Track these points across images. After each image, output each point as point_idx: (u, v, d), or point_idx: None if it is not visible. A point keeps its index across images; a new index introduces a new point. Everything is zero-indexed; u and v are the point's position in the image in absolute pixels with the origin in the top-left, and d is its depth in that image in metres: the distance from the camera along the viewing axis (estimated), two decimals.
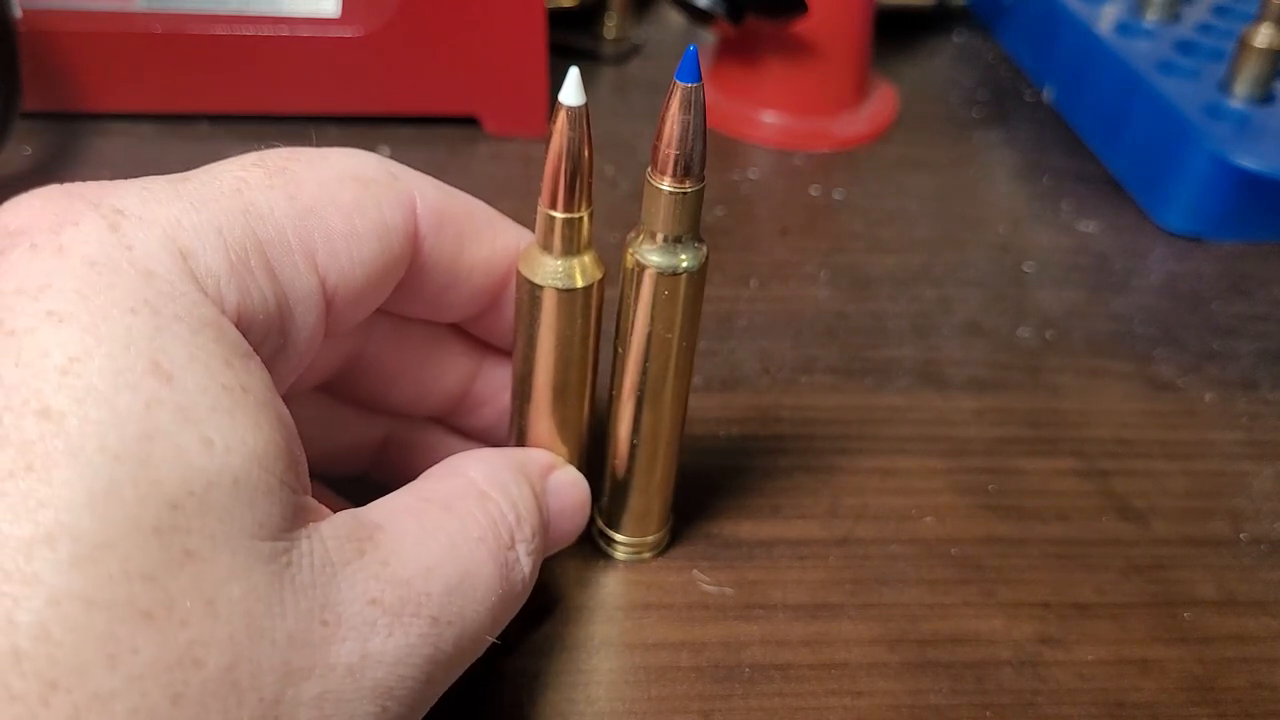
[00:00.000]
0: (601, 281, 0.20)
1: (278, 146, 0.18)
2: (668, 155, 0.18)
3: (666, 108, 0.18)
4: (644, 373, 0.21)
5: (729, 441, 0.27)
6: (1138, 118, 0.38)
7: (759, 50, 0.39)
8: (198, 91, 0.36)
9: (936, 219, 0.36)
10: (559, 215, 0.19)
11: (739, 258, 0.33)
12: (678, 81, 0.18)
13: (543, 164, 0.19)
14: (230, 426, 0.14)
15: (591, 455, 0.23)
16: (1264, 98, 0.37)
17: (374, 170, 0.19)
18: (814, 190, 0.37)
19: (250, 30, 0.35)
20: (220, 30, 0.35)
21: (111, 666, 0.13)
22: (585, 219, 0.19)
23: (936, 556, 0.24)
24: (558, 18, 0.44)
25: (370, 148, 0.38)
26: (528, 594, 0.19)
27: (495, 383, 0.23)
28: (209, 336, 0.15)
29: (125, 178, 0.16)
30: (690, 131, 0.18)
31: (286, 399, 0.16)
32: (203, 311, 0.15)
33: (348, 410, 0.22)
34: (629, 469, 0.22)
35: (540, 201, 0.19)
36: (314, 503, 0.16)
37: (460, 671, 0.18)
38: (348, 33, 0.35)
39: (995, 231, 0.36)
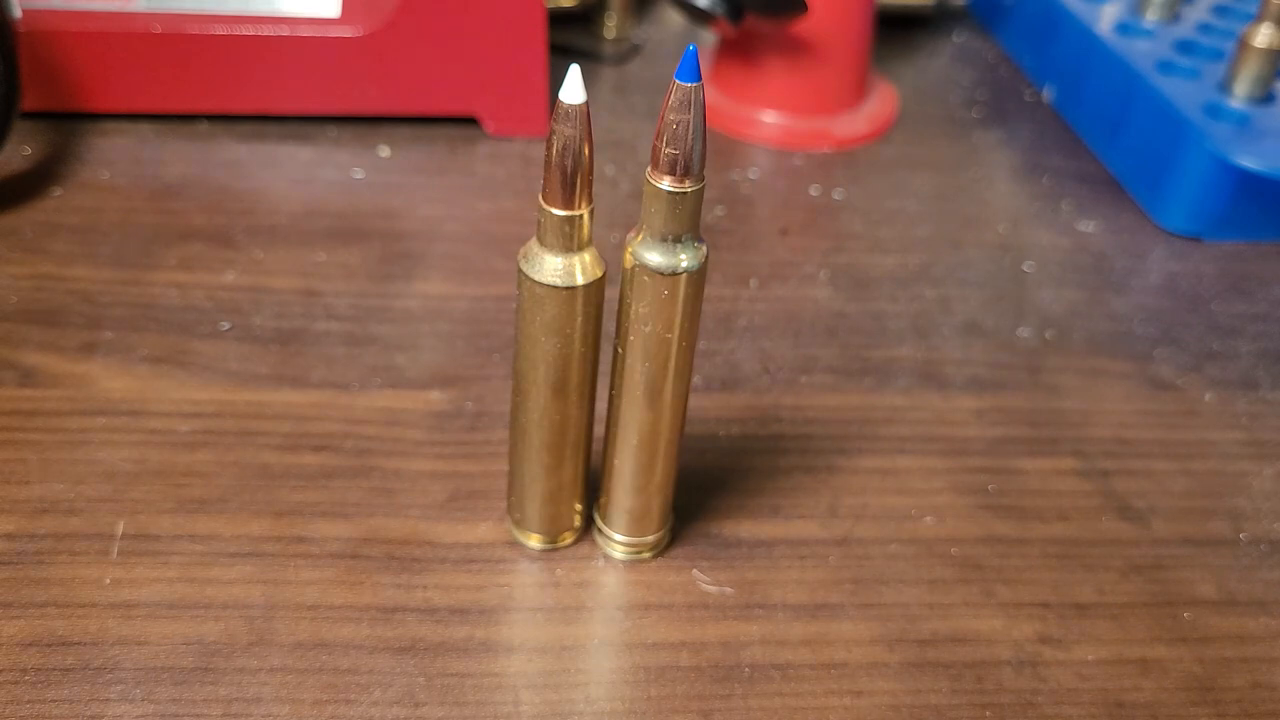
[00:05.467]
0: (601, 279, 0.20)
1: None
2: (668, 155, 0.18)
3: (666, 108, 0.18)
4: (644, 373, 0.21)
5: (729, 441, 0.27)
6: (1138, 118, 0.38)
7: (759, 50, 0.39)
8: (198, 91, 0.36)
9: (936, 219, 0.36)
10: (559, 212, 0.19)
11: (739, 258, 0.33)
12: (678, 81, 0.18)
13: (543, 163, 0.19)
14: None
15: (591, 455, 0.23)
16: (1264, 98, 0.37)
17: None
18: (814, 190, 0.37)
19: (250, 30, 0.35)
20: (220, 30, 0.35)
21: None
22: (585, 216, 0.19)
23: (936, 556, 0.24)
24: (558, 18, 0.44)
25: (370, 148, 0.39)
26: None
27: None
28: None
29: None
30: (690, 131, 0.18)
31: None
32: None
33: None
34: (629, 469, 0.22)
35: (540, 198, 0.19)
36: None
37: None
38: (348, 33, 0.35)
39: (995, 231, 0.36)
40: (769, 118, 0.40)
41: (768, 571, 0.23)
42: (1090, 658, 0.22)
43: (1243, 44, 0.37)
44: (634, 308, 0.20)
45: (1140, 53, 0.39)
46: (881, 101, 0.42)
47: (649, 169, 0.19)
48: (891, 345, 0.30)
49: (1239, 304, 0.33)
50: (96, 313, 0.29)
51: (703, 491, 0.25)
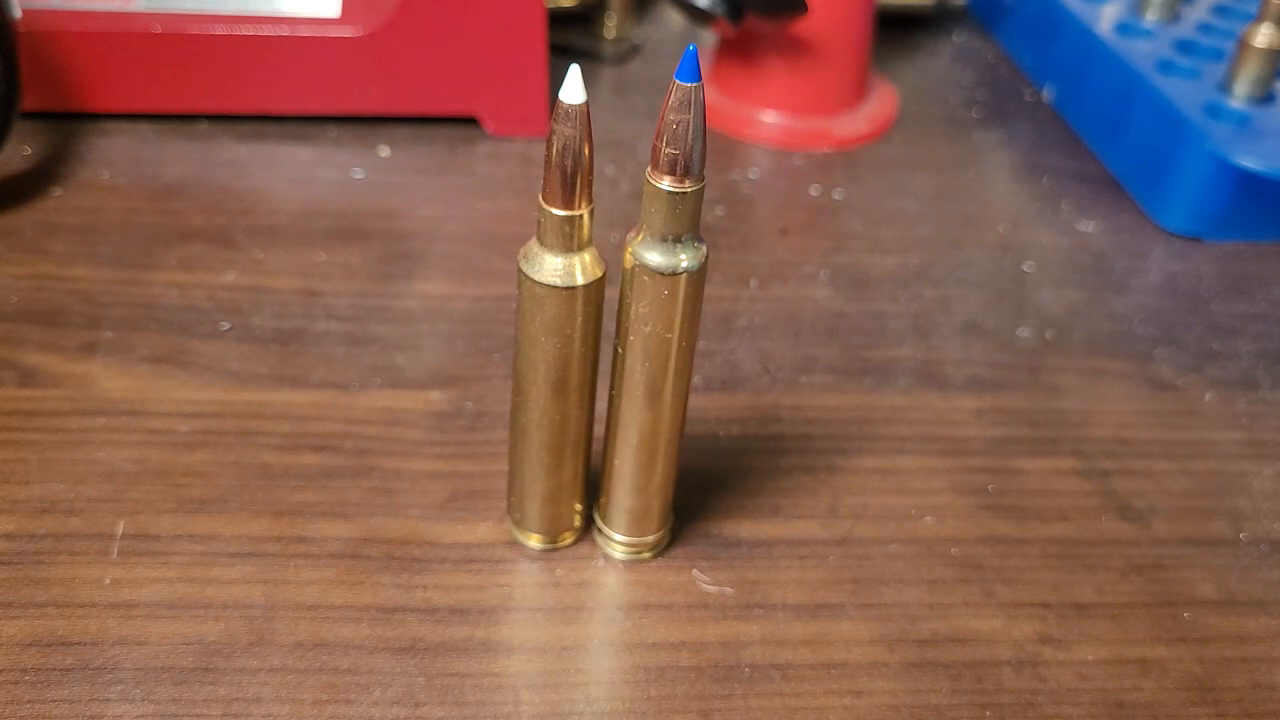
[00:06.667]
0: (601, 279, 0.20)
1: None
2: (668, 155, 0.18)
3: (666, 108, 0.18)
4: (644, 373, 0.21)
5: (729, 441, 0.27)
6: (1138, 118, 0.38)
7: (759, 50, 0.39)
8: (198, 91, 0.36)
9: (936, 219, 0.36)
10: (559, 212, 0.19)
11: (739, 258, 0.33)
12: (678, 81, 0.18)
13: (543, 162, 0.19)
14: None
15: (591, 455, 0.23)
16: (1264, 98, 0.37)
17: None
18: (814, 190, 0.37)
19: (250, 30, 0.35)
20: (220, 30, 0.35)
21: None
22: (585, 216, 0.19)
23: (936, 556, 0.24)
24: (558, 18, 0.44)
25: (370, 148, 0.39)
26: None
27: None
28: None
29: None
30: (690, 131, 0.18)
31: None
32: None
33: None
34: (629, 469, 0.22)
35: (540, 198, 0.19)
36: None
37: None
38: (348, 33, 0.35)
39: (995, 231, 0.36)
40: (769, 118, 0.40)
41: (768, 571, 0.23)
42: (1090, 658, 0.22)
43: (1243, 44, 0.37)
44: (634, 308, 0.20)
45: (1140, 53, 0.39)
46: (881, 101, 0.42)
47: (649, 169, 0.19)
48: (891, 345, 0.30)
49: (1239, 304, 0.33)
50: (96, 313, 0.29)
51: (703, 491, 0.25)
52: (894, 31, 0.48)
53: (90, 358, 0.27)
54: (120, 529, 0.23)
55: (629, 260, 0.20)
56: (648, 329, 0.20)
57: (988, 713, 0.21)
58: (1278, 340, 0.32)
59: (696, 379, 0.28)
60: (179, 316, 0.29)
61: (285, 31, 0.35)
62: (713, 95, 0.41)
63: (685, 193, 0.19)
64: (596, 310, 0.20)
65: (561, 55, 0.42)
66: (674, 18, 0.47)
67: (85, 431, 0.25)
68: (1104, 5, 0.43)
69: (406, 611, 0.22)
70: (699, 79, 0.18)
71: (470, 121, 0.38)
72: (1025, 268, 0.34)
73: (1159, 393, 0.29)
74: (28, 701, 0.20)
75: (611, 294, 0.20)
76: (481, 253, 0.32)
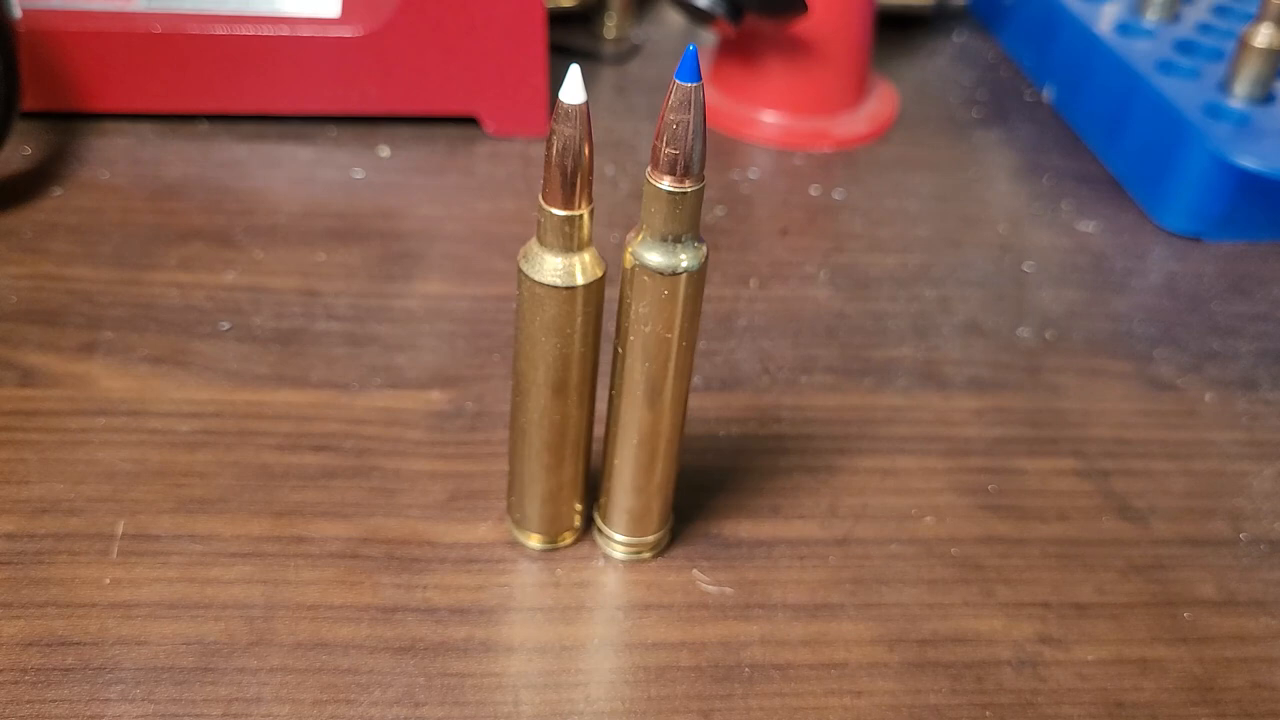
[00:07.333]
0: (601, 279, 0.20)
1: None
2: (668, 155, 0.18)
3: (666, 108, 0.18)
4: (644, 373, 0.21)
5: (729, 441, 0.27)
6: (1138, 118, 0.38)
7: (759, 50, 0.39)
8: (198, 91, 0.36)
9: (936, 219, 0.36)
10: (559, 212, 0.19)
11: (739, 258, 0.33)
12: (678, 81, 0.18)
13: (543, 162, 0.19)
14: None
15: (591, 455, 0.23)
16: (1264, 98, 0.37)
17: None
18: (814, 190, 0.37)
19: (250, 30, 0.35)
20: (220, 30, 0.35)
21: None
22: (585, 216, 0.19)
23: (936, 556, 0.24)
24: (558, 18, 0.44)
25: (370, 148, 0.39)
26: None
27: None
28: None
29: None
30: (690, 131, 0.18)
31: None
32: None
33: None
34: (629, 469, 0.22)
35: (540, 198, 0.19)
36: None
37: None
38: (348, 33, 0.35)
39: (995, 231, 0.36)
40: (769, 118, 0.40)
41: (768, 571, 0.23)
42: (1090, 658, 0.22)
43: (1243, 44, 0.37)
44: (634, 308, 0.20)
45: (1140, 53, 0.39)
46: (881, 101, 0.42)
47: (649, 169, 0.19)
48: (891, 345, 0.30)
49: (1239, 304, 0.33)
50: (96, 313, 0.29)
51: (703, 491, 0.25)
52: (894, 31, 0.48)
53: (90, 358, 0.27)
54: (120, 529, 0.23)
55: (629, 260, 0.20)
56: (648, 329, 0.20)
57: (988, 713, 0.21)
58: (1278, 340, 0.32)
59: (696, 379, 0.28)
60: (179, 316, 0.29)
61: (285, 31, 0.35)
62: (713, 95, 0.41)
63: (685, 193, 0.19)
64: (596, 310, 0.20)
65: (561, 55, 0.42)
66: (674, 18, 0.47)
67: (85, 431, 0.25)
68: (1104, 5, 0.43)
69: (406, 611, 0.22)
70: (699, 79, 0.18)
71: (470, 121, 0.38)
72: (1025, 268, 0.34)
73: (1159, 393, 0.29)
74: (28, 701, 0.20)
75: (611, 294, 0.20)
76: (481, 253, 0.32)
